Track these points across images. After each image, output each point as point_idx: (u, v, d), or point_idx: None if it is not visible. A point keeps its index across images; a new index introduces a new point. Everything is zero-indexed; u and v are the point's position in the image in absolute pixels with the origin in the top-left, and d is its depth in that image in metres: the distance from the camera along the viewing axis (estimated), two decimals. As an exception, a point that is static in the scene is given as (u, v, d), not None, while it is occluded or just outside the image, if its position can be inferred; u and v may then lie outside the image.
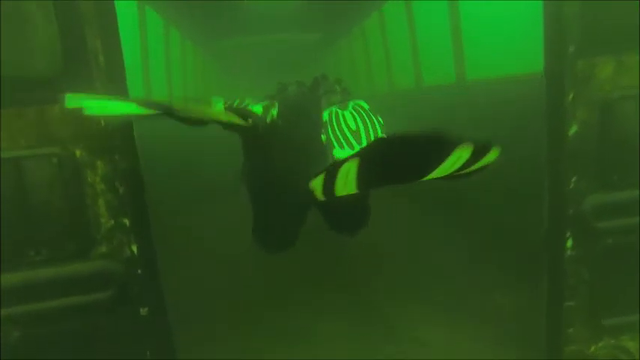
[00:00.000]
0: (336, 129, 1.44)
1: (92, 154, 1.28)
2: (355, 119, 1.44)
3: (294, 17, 7.47)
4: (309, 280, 3.00)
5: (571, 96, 1.28)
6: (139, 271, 1.36)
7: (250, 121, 1.34)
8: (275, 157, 1.56)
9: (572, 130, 1.31)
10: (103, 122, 1.27)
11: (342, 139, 1.42)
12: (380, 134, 1.42)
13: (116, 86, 1.31)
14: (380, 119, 1.48)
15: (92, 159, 1.28)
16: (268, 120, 1.52)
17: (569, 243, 1.48)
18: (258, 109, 1.55)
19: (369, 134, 1.42)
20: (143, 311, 1.38)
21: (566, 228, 1.47)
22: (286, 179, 1.52)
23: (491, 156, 0.95)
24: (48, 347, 1.33)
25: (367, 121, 1.45)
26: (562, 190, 1.42)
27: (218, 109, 1.48)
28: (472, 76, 4.40)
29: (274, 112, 1.59)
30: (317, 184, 1.17)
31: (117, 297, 1.33)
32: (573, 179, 1.39)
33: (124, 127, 1.33)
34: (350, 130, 1.42)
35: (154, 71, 5.46)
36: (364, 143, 1.39)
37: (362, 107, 1.50)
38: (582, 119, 1.30)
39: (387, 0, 6.55)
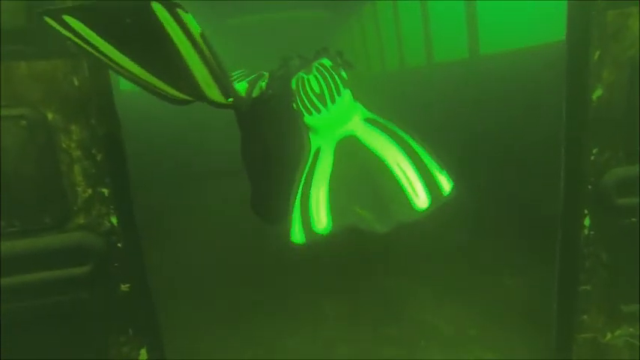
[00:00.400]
0: (303, 95, 1.46)
1: (66, 118, 1.18)
2: (319, 81, 1.46)
3: None
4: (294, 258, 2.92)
5: (597, 54, 1.12)
6: (120, 244, 1.27)
7: (230, 99, 1.30)
8: (264, 129, 1.57)
9: (596, 93, 1.16)
10: (76, 82, 1.16)
11: (309, 105, 1.45)
12: (342, 91, 1.45)
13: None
14: (343, 74, 1.49)
15: (66, 123, 1.18)
16: (254, 94, 1.49)
17: (587, 221, 1.35)
18: (242, 85, 1.50)
19: (333, 94, 1.44)
20: (124, 287, 1.30)
21: (584, 205, 1.33)
22: (276, 150, 1.57)
23: None
24: (25, 323, 1.26)
25: (330, 81, 1.45)
26: (581, 163, 1.28)
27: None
28: (486, 50, 4.20)
29: (262, 84, 1.56)
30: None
31: (96, 272, 1.25)
32: (594, 150, 1.25)
33: (102, 87, 1.23)
34: (315, 94, 1.44)
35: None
36: (329, 105, 1.43)
37: (324, 66, 1.50)
38: (609, 81, 1.15)
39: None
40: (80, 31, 0.95)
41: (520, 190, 3.37)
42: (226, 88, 1.23)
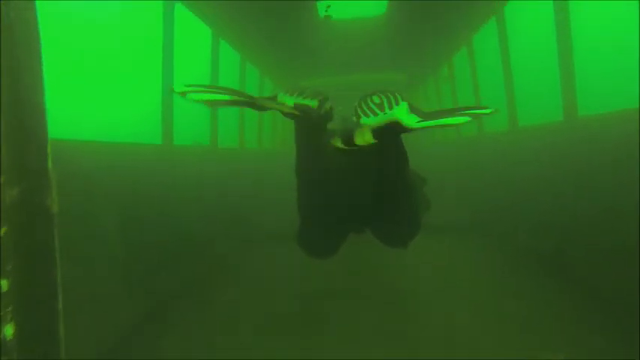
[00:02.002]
0: (363, 105, 1.65)
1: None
2: (380, 96, 1.65)
3: (379, 57, 7.26)
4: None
5: None
6: None
7: (303, 112, 1.69)
8: (328, 155, 1.81)
9: None
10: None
11: (367, 110, 1.64)
12: (400, 102, 1.63)
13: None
14: (400, 95, 1.66)
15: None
16: (322, 111, 1.74)
17: None
18: (314, 102, 1.73)
19: (391, 104, 1.62)
20: None
21: None
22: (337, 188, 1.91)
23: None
24: None
25: (390, 95, 1.65)
26: None
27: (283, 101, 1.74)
28: (577, 113, 3.49)
29: (327, 106, 1.77)
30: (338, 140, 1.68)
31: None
32: None
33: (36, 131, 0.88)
34: (374, 104, 1.64)
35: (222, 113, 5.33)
36: (387, 111, 1.62)
37: (389, 91, 1.68)
38: None
39: (477, 30, 5.89)
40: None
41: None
42: (302, 107, 1.73)
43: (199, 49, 5.44)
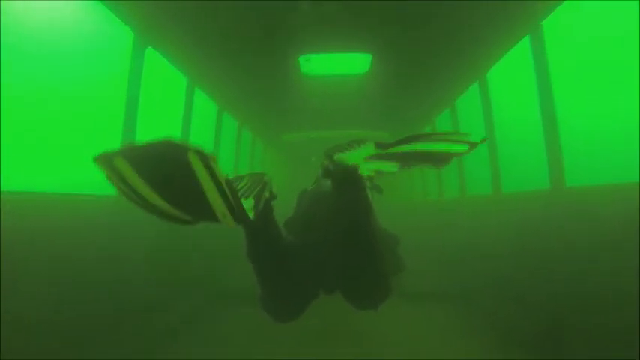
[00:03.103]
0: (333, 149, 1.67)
1: None
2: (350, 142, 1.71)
3: (361, 114, 7.21)
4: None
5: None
6: None
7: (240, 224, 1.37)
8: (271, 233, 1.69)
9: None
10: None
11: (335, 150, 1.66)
12: (367, 143, 1.68)
13: None
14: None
15: None
16: (259, 207, 1.51)
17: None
18: (249, 202, 1.49)
19: (360, 144, 1.66)
20: None
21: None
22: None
23: None
24: None
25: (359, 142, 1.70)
26: None
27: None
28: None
29: (267, 194, 1.59)
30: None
31: None
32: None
33: None
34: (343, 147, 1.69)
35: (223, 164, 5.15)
36: (355, 147, 1.66)
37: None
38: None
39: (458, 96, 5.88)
40: (125, 173, 1.08)
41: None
42: (240, 218, 1.28)
43: (171, 97, 5.24)
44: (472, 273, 4.77)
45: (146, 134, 3.41)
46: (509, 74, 4.79)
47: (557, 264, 3.11)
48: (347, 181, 1.55)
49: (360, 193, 1.63)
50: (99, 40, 4.76)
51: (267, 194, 1.57)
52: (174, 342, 3.24)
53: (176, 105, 5.04)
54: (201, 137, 5.51)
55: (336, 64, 5.35)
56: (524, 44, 3.77)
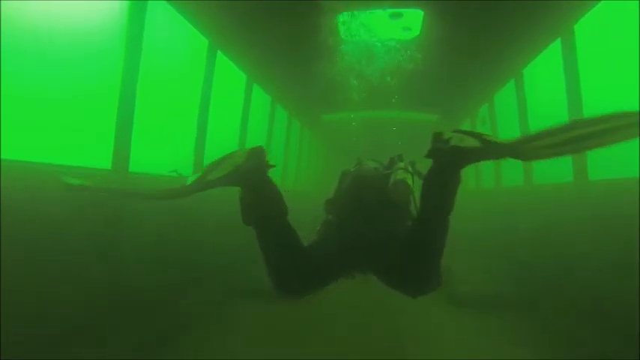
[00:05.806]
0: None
1: None
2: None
3: (410, 94, 6.29)
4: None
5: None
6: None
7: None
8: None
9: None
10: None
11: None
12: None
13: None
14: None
15: None
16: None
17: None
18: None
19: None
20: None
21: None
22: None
23: None
24: None
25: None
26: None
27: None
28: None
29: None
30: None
31: None
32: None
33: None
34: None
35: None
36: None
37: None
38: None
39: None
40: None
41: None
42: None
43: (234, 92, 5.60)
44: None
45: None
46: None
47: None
48: (454, 162, 1.47)
49: (458, 175, 1.54)
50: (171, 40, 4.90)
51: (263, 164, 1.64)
52: (185, 337, 3.21)
53: (235, 100, 5.42)
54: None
55: (381, 26, 4.28)
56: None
